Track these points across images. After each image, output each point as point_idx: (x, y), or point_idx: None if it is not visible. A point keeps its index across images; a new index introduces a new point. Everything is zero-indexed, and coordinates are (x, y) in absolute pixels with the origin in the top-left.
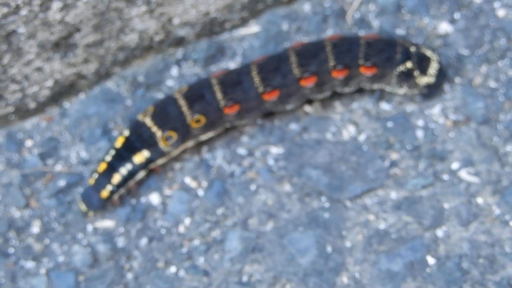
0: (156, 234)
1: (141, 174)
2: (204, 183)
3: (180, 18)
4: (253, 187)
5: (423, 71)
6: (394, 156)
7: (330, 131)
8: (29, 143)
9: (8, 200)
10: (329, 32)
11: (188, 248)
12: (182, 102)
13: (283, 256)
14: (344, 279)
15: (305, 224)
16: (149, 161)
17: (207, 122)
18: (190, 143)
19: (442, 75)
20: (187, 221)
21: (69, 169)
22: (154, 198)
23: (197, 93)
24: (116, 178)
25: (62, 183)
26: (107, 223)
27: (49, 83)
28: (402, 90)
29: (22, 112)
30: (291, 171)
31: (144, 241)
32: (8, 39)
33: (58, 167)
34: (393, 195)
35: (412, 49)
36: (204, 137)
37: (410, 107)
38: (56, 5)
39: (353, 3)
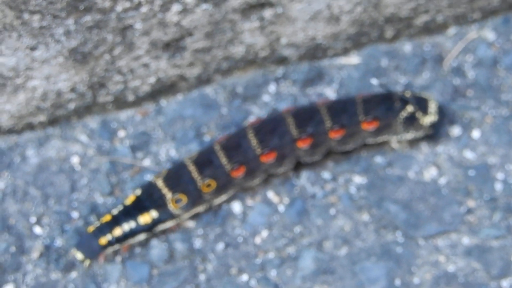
0: (233, 241)
1: (141, 237)
2: (286, 200)
3: (287, 38)
4: (332, 211)
5: (425, 111)
6: (471, 203)
7: (413, 169)
8: (122, 133)
9: (94, 185)
10: (425, 76)
11: (262, 259)
12: (191, 168)
13: (353, 282)
14: None
15: (378, 254)
16: (156, 221)
17: (218, 186)
18: (201, 208)
19: (442, 113)
20: (265, 233)
21: (157, 165)
22: (236, 207)
23: (206, 159)
24: (117, 232)
25: (148, 177)
26: (188, 223)
27: (152, 80)
28: (410, 135)
29: (120, 103)
30: (371, 202)
31: (220, 246)
32: (124, 32)
33: (147, 162)
34: (465, 240)
35: (407, 94)
36: (217, 200)
37: (492, 159)
38: (175, 8)
39: (452, 51)
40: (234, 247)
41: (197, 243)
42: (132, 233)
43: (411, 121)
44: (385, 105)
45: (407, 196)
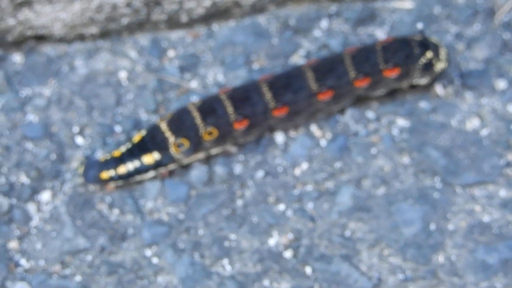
0: (272, 170)
1: (149, 175)
2: (328, 135)
3: None
4: (373, 150)
5: (437, 58)
6: (510, 157)
7: (456, 118)
8: (171, 53)
9: (140, 101)
10: (476, 27)
11: (300, 191)
12: (195, 114)
13: (388, 222)
14: (440, 258)
15: (415, 197)
16: (158, 164)
17: (219, 135)
18: (201, 155)
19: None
20: (305, 165)
21: (203, 88)
22: (279, 137)
23: (210, 107)
24: (121, 170)
25: (193, 99)
26: (230, 149)
27: (207, 2)
28: (424, 80)
29: (173, 23)
30: (413, 146)
31: (260, 173)
32: None
33: (194, 84)
34: (502, 193)
35: (425, 40)
36: (214, 151)
37: None
38: None
39: (504, 6)
40: (273, 176)
41: (237, 168)
42: (136, 172)
43: (428, 67)
44: (405, 52)
45: (448, 143)
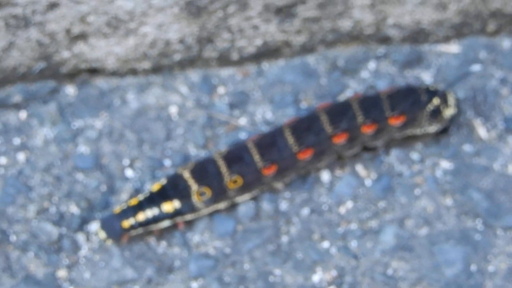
0: (317, 208)
1: (165, 224)
2: (373, 175)
3: (394, 19)
4: (417, 191)
5: (445, 104)
6: None
7: (499, 161)
8: (221, 90)
9: (189, 136)
10: None
11: (344, 229)
12: (221, 163)
13: (430, 262)
14: None
15: (457, 239)
16: (177, 212)
17: (244, 183)
18: (221, 205)
19: (459, 106)
20: (349, 204)
21: (252, 125)
22: (325, 175)
23: (236, 155)
24: (140, 217)
25: (242, 135)
26: (277, 185)
27: (258, 42)
28: (433, 128)
29: (224, 61)
30: (456, 188)
31: (305, 211)
32: None
33: (243, 121)
34: None
35: (432, 88)
36: (240, 199)
37: None
38: None
39: None
40: (319, 214)
41: (283, 205)
42: (154, 220)
43: (436, 114)
44: (411, 99)
45: (490, 186)
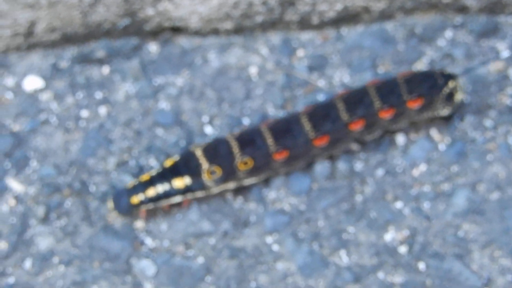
0: (392, 170)
1: (177, 199)
2: (447, 140)
3: None
4: (489, 157)
5: (457, 88)
6: None
7: None
8: (301, 53)
9: (268, 96)
10: None
11: (417, 191)
12: (233, 143)
13: (500, 226)
14: None
15: None
16: (188, 189)
17: (255, 166)
18: (231, 185)
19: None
20: (423, 167)
21: (330, 87)
22: (400, 138)
23: (249, 137)
24: (151, 192)
25: (320, 97)
26: (352, 146)
27: (339, 6)
28: (445, 111)
29: (304, 24)
30: None
31: (380, 172)
32: None
33: (321, 83)
34: None
35: (446, 72)
36: (248, 181)
37: None
38: None
39: None
40: (393, 175)
41: (358, 166)
42: (165, 195)
43: (450, 97)
44: (428, 82)
45: None
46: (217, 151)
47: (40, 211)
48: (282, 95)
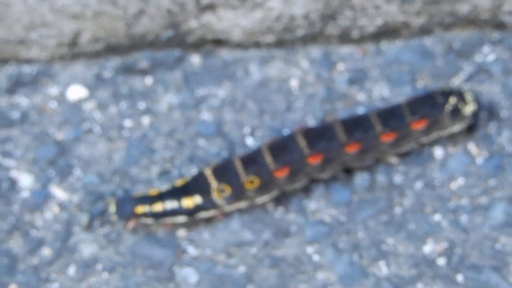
0: (430, 183)
1: (181, 219)
2: (485, 154)
3: (510, 6)
4: None
5: (464, 101)
6: None
7: None
8: (341, 66)
9: (308, 108)
10: None
11: (455, 204)
12: (238, 164)
13: None
14: None
15: None
16: (199, 208)
17: (261, 184)
18: (243, 204)
19: (478, 103)
20: (461, 181)
21: (369, 101)
22: (438, 152)
23: (251, 157)
24: (157, 207)
25: (359, 110)
26: (391, 159)
27: (379, 21)
28: (456, 127)
29: (344, 38)
30: None
31: (419, 185)
32: None
33: (361, 96)
34: None
35: (446, 89)
36: (260, 200)
37: None
38: None
39: None
40: (431, 188)
41: (397, 178)
42: (171, 213)
43: (456, 112)
44: (429, 103)
45: None
46: (225, 170)
47: (84, 218)
48: (322, 108)
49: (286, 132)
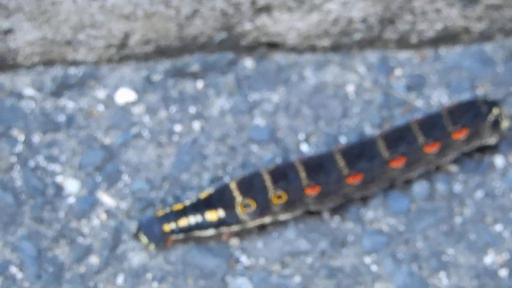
0: (491, 192)
1: (209, 232)
2: None
3: None
4: None
5: (503, 116)
6: None
7: None
8: (399, 72)
9: (365, 115)
10: None
11: None
12: (266, 177)
13: None
14: None
15: None
16: (222, 222)
17: (289, 200)
18: (267, 219)
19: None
20: None
21: (428, 107)
22: (499, 161)
23: (282, 171)
24: (183, 222)
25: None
26: (451, 168)
27: (439, 26)
28: (493, 140)
29: (402, 43)
30: None
31: (479, 194)
32: None
33: (419, 103)
34: None
35: (489, 99)
36: (283, 217)
37: None
38: None
39: None
40: (492, 198)
41: (457, 187)
42: (197, 227)
43: (496, 125)
44: (472, 112)
45: None
46: (251, 184)
47: (132, 226)
48: (380, 114)
49: (343, 139)
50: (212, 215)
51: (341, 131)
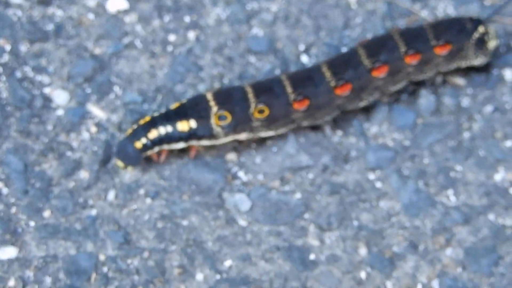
0: (501, 107)
1: (179, 145)
2: None
3: None
4: None
5: (489, 35)
6: None
7: None
8: None
9: (368, 25)
10: None
11: None
12: (249, 90)
13: None
14: None
15: None
16: (193, 133)
17: (270, 115)
18: (243, 135)
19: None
20: None
21: (433, 18)
22: (508, 74)
23: (266, 86)
24: (153, 134)
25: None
26: (458, 81)
27: None
28: (478, 60)
29: None
30: None
31: (488, 108)
32: None
33: (424, 13)
34: None
35: (475, 17)
36: (264, 134)
37: None
38: None
39: None
40: (502, 113)
41: (465, 101)
42: (167, 138)
43: (481, 44)
44: (456, 28)
45: None
46: (230, 95)
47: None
48: (383, 25)
49: (344, 50)
50: (183, 125)
51: (343, 42)
